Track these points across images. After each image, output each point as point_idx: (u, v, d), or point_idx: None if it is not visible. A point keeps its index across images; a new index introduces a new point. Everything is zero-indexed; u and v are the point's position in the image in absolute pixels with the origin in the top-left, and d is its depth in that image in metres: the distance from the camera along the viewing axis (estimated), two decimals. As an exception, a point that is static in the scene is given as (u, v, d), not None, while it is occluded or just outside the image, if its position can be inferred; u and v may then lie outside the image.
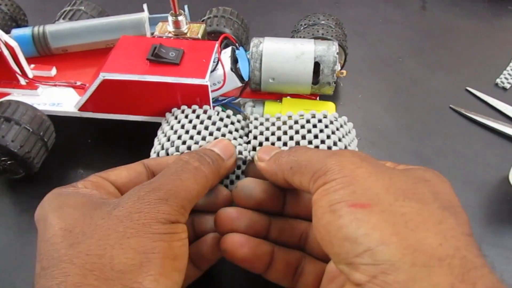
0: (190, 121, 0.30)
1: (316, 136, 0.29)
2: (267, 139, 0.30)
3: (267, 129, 0.31)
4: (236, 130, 0.30)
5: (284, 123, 0.30)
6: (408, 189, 0.18)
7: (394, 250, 0.16)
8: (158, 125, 0.32)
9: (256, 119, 0.32)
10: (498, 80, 0.44)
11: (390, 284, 0.15)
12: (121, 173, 0.24)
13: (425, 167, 0.21)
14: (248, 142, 0.30)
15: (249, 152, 0.29)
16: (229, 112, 0.31)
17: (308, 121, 0.30)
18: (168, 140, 0.29)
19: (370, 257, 0.16)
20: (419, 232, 0.17)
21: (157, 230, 0.19)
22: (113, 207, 0.20)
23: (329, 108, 0.34)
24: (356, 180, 0.18)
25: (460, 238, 0.17)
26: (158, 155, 0.29)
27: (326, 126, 0.29)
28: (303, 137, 0.29)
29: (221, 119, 0.30)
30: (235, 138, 0.29)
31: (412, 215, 0.17)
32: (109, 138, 0.38)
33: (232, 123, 0.30)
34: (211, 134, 0.29)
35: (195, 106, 0.31)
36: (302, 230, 0.25)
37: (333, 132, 0.29)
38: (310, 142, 0.28)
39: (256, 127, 0.31)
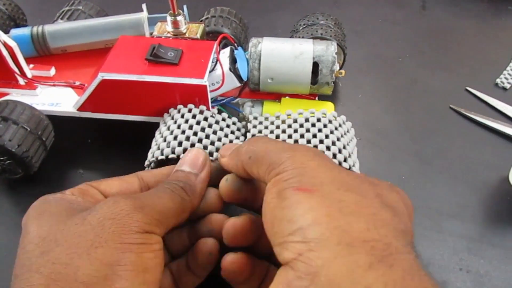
0: (187, 121, 0.30)
1: (314, 136, 0.29)
2: None
3: (266, 127, 0.31)
4: (232, 132, 0.30)
5: (283, 121, 0.30)
6: (353, 184, 0.19)
7: (324, 229, 0.17)
8: (157, 125, 0.32)
9: (255, 118, 0.32)
10: (498, 80, 0.44)
11: (312, 260, 0.16)
12: (113, 183, 0.24)
13: (393, 185, 0.21)
14: None
15: None
16: (224, 115, 0.31)
17: (307, 120, 0.30)
18: (165, 140, 0.29)
19: (300, 235, 0.17)
20: (351, 217, 0.17)
21: (127, 239, 0.19)
22: (89, 211, 0.20)
23: (328, 108, 0.34)
24: (305, 170, 0.19)
25: (391, 229, 0.17)
26: (153, 156, 0.29)
27: (325, 125, 0.29)
28: (302, 136, 0.29)
29: (217, 122, 0.30)
30: (231, 141, 0.29)
31: (349, 203, 0.18)
32: (109, 138, 0.38)
33: (228, 125, 0.31)
34: (207, 137, 0.29)
35: (191, 105, 0.31)
36: None
37: (331, 132, 0.29)
38: (308, 141, 0.28)
39: (255, 126, 0.31)
